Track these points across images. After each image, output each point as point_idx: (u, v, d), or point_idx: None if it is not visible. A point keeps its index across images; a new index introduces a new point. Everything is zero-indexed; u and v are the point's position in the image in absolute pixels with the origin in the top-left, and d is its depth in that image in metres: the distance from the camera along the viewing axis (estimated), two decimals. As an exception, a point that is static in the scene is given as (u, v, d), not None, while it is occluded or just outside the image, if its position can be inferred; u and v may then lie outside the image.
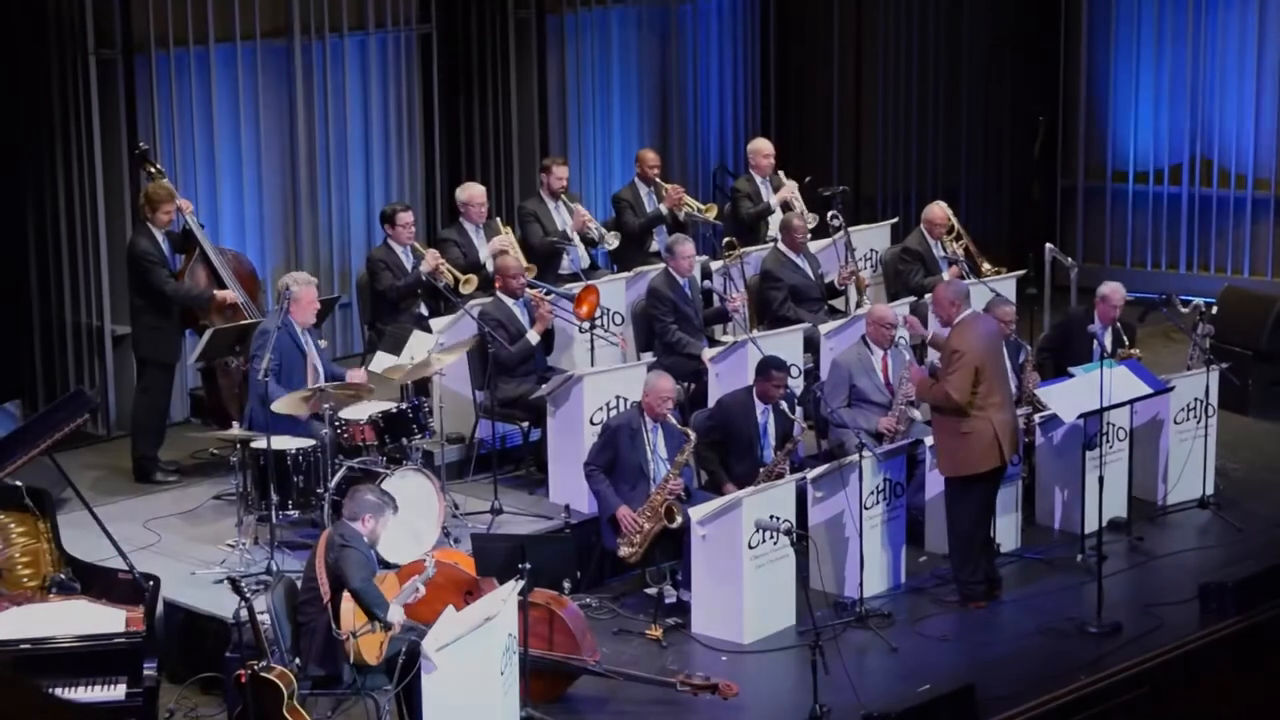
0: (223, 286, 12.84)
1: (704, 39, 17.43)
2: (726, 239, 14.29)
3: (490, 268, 13.44)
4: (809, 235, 14.26)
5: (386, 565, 10.43)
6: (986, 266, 14.72)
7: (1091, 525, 11.96)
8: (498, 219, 14.07)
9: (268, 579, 10.62)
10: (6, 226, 13.67)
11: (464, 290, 13.22)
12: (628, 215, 14.75)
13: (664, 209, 14.75)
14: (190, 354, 13.00)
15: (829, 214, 14.73)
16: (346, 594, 9.44)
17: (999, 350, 11.67)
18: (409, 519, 11.03)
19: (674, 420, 11.54)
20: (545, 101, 16.07)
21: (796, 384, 12.89)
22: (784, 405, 11.86)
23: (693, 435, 11.47)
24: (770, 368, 11.85)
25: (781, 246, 14.15)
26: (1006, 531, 12.16)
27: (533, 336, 12.61)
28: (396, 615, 9.52)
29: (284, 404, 11.29)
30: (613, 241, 14.49)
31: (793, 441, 11.83)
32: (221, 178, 14.46)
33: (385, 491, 10.17)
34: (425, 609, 9.79)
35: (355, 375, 11.96)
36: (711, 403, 12.50)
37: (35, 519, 10.13)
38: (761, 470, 11.71)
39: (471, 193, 13.96)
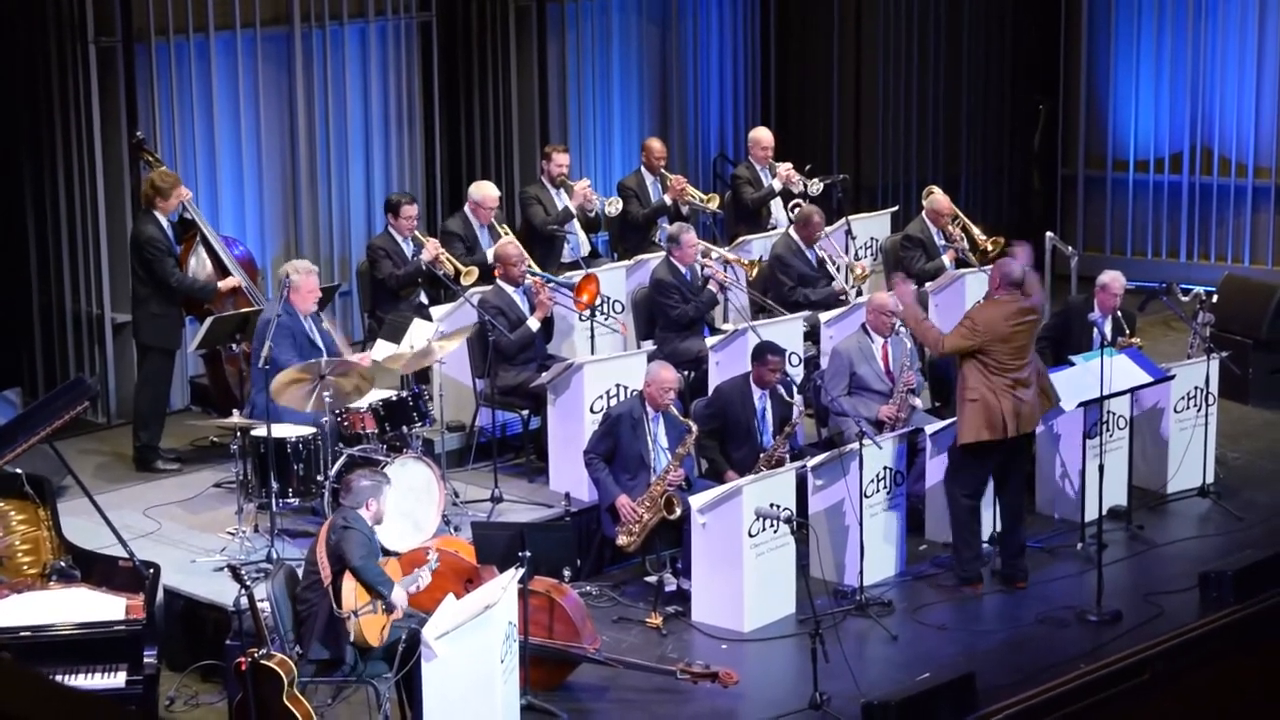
0: (224, 272, 12.86)
1: (704, 27, 17.43)
2: (676, 223, 14.10)
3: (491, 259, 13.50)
4: (825, 232, 14.25)
5: (388, 553, 10.43)
6: (980, 235, 14.69)
7: (1092, 513, 11.96)
8: (503, 225, 14.02)
9: (268, 567, 10.62)
10: (6, 215, 13.68)
11: (464, 280, 13.20)
12: (633, 204, 14.76)
13: (668, 199, 14.76)
14: (190, 342, 13.01)
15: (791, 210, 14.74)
16: (348, 574, 9.45)
17: (1023, 335, 11.52)
18: (410, 507, 11.04)
19: (676, 411, 11.54)
20: (545, 90, 16.07)
21: (797, 372, 12.90)
22: (781, 390, 11.88)
23: (694, 427, 11.47)
24: (766, 352, 11.88)
25: (793, 234, 14.15)
26: (1007, 520, 12.15)
27: (533, 324, 12.60)
28: (400, 598, 9.53)
29: (276, 383, 11.21)
30: (615, 208, 14.50)
31: (791, 425, 11.83)
32: (221, 166, 14.45)
33: (376, 471, 10.20)
34: (425, 597, 9.80)
35: (358, 356, 11.95)
36: (712, 391, 12.50)
37: (35, 506, 10.13)
38: (761, 456, 11.72)
39: (485, 193, 13.87)
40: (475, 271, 13.29)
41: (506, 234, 13.72)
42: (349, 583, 9.45)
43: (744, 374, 12.06)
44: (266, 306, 12.15)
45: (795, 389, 12.03)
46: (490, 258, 13.46)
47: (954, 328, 11.53)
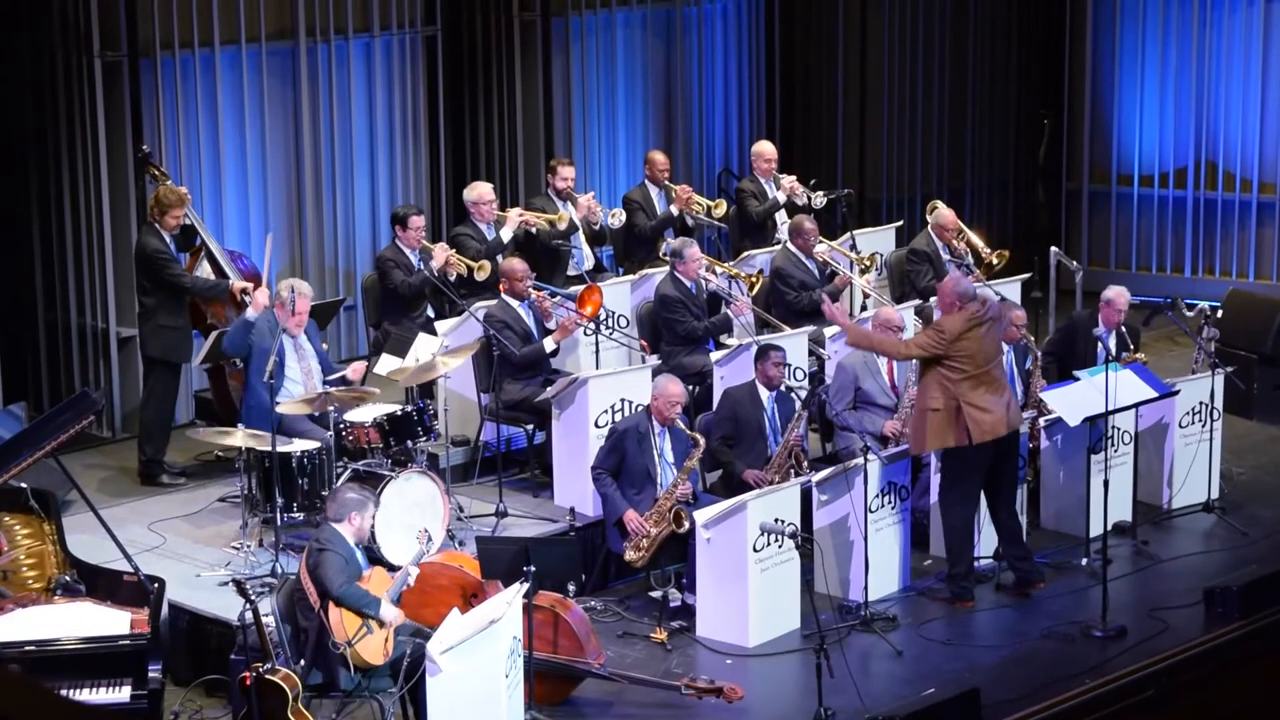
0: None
1: (709, 41, 17.44)
2: (679, 238, 14.08)
3: (510, 233, 13.62)
4: (819, 239, 14.26)
5: (378, 563, 10.44)
6: (985, 249, 14.69)
7: (1096, 529, 11.95)
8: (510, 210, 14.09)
9: (272, 581, 10.63)
10: (11, 228, 13.68)
11: (479, 276, 13.25)
12: (639, 217, 14.77)
13: (674, 210, 14.77)
14: (194, 356, 13.01)
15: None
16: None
17: (988, 342, 11.58)
18: (414, 521, 11.03)
19: (682, 425, 11.54)
20: (550, 104, 16.09)
21: (801, 386, 12.90)
22: (783, 388, 11.93)
23: (701, 440, 11.47)
24: (767, 350, 11.99)
25: (791, 247, 14.16)
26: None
27: (548, 344, 12.61)
28: (389, 612, 9.53)
29: (289, 406, 11.30)
30: (618, 220, 14.52)
31: (796, 418, 11.83)
32: (227, 180, 14.47)
33: (367, 487, 10.20)
34: (430, 612, 9.81)
35: (355, 370, 11.97)
36: (720, 396, 12.50)
37: (40, 521, 10.14)
38: (773, 454, 11.75)
39: (480, 191, 13.96)
40: (488, 267, 13.31)
41: (509, 213, 13.79)
42: (337, 611, 9.46)
43: (750, 380, 12.11)
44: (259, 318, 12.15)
45: (793, 393, 12.06)
46: (507, 238, 13.52)
47: (919, 335, 11.59)
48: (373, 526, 10.81)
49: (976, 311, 11.52)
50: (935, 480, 12.00)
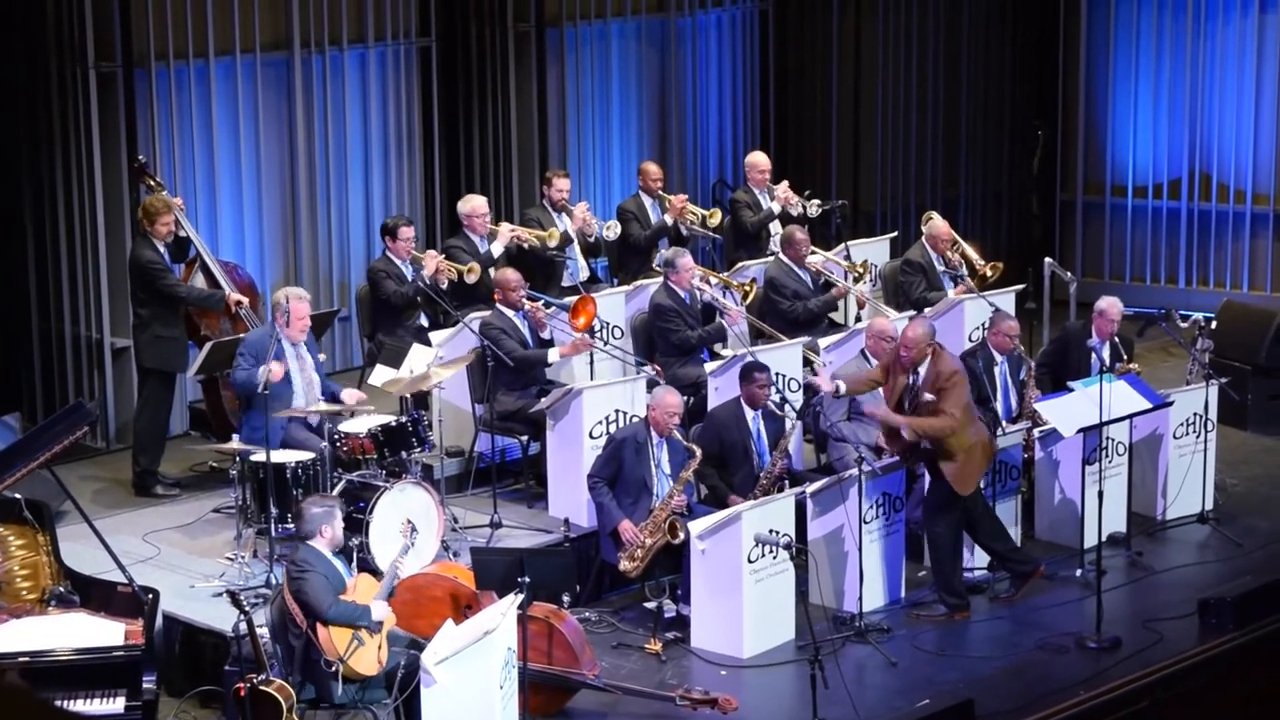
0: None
1: (703, 52, 17.45)
2: (672, 248, 14.15)
3: (501, 248, 13.64)
4: (811, 249, 14.26)
5: (364, 569, 10.45)
6: (979, 260, 14.67)
7: (1091, 540, 11.96)
8: (502, 225, 14.10)
9: (267, 592, 10.63)
10: (6, 239, 13.68)
11: (469, 279, 13.26)
12: (633, 227, 14.77)
13: (668, 220, 14.77)
14: (189, 367, 13.00)
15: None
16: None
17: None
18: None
19: (680, 435, 11.54)
20: (545, 115, 16.09)
21: (796, 398, 12.90)
22: (772, 406, 11.90)
23: (698, 451, 11.47)
24: (752, 370, 11.93)
25: (783, 257, 14.16)
26: (1006, 546, 12.15)
27: (553, 355, 12.61)
28: (381, 612, 9.54)
29: (288, 415, 11.31)
30: (613, 232, 14.51)
31: (785, 439, 11.83)
32: (221, 191, 14.46)
33: (325, 496, 10.20)
34: (424, 623, 9.81)
35: (351, 395, 11.94)
36: (706, 418, 12.48)
37: (34, 532, 10.13)
38: (760, 474, 11.72)
39: (474, 205, 13.97)
40: (477, 270, 13.33)
41: (500, 227, 13.80)
42: (325, 629, 9.46)
43: (735, 397, 12.08)
44: (255, 329, 12.14)
45: (787, 404, 12.04)
46: (497, 253, 13.52)
47: (949, 401, 11.41)
48: (367, 539, 10.84)
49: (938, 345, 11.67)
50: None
